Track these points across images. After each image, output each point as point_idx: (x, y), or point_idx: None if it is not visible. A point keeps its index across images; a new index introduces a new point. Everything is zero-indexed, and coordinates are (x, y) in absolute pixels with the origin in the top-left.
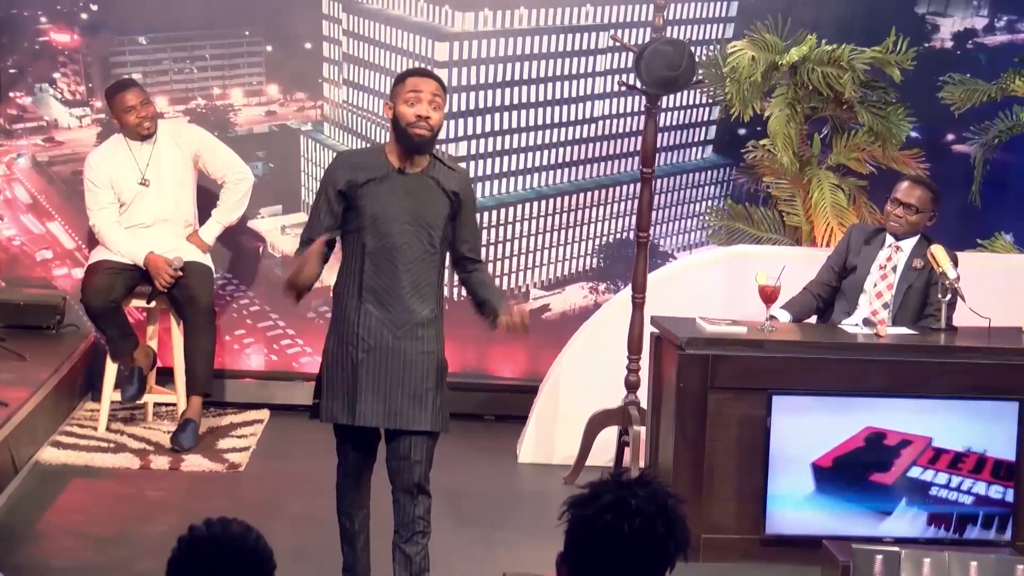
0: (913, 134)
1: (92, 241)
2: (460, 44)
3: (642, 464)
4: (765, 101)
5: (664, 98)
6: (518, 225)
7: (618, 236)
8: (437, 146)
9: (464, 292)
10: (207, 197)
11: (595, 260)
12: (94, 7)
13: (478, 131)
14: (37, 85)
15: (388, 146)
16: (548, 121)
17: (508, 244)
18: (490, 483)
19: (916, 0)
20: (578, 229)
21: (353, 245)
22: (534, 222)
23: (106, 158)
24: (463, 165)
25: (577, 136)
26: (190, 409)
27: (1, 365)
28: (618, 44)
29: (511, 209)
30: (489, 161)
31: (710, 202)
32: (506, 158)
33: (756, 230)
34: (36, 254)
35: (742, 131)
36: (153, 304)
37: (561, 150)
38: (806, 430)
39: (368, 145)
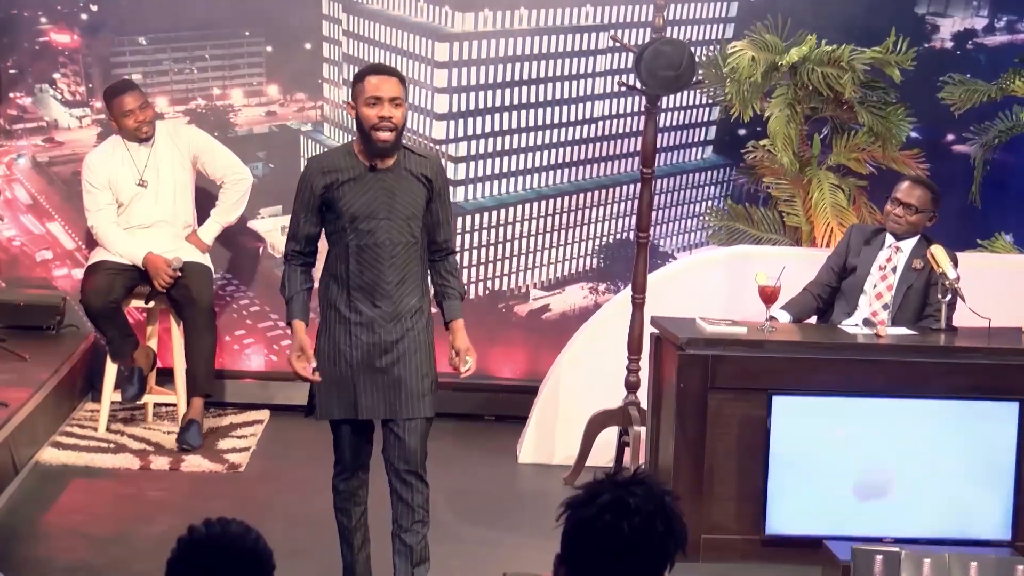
0: (913, 134)
1: (92, 242)
2: (460, 44)
3: (641, 463)
4: (765, 101)
5: (664, 98)
6: (518, 225)
7: (618, 236)
8: (412, 139)
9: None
10: (206, 198)
11: (595, 260)
12: (94, 7)
13: (478, 131)
14: (37, 85)
15: (356, 144)
16: (548, 121)
17: (508, 244)
18: (490, 483)
19: (916, 0)
20: (578, 229)
21: (336, 245)
22: (534, 222)
23: (104, 159)
24: (434, 149)
25: (577, 136)
26: (192, 410)
27: (1, 365)
28: (618, 44)
29: (511, 209)
30: (489, 161)
31: (710, 202)
32: (506, 158)
33: (756, 230)
34: (36, 254)
35: (742, 131)
36: (152, 304)
37: (561, 150)
38: (806, 430)
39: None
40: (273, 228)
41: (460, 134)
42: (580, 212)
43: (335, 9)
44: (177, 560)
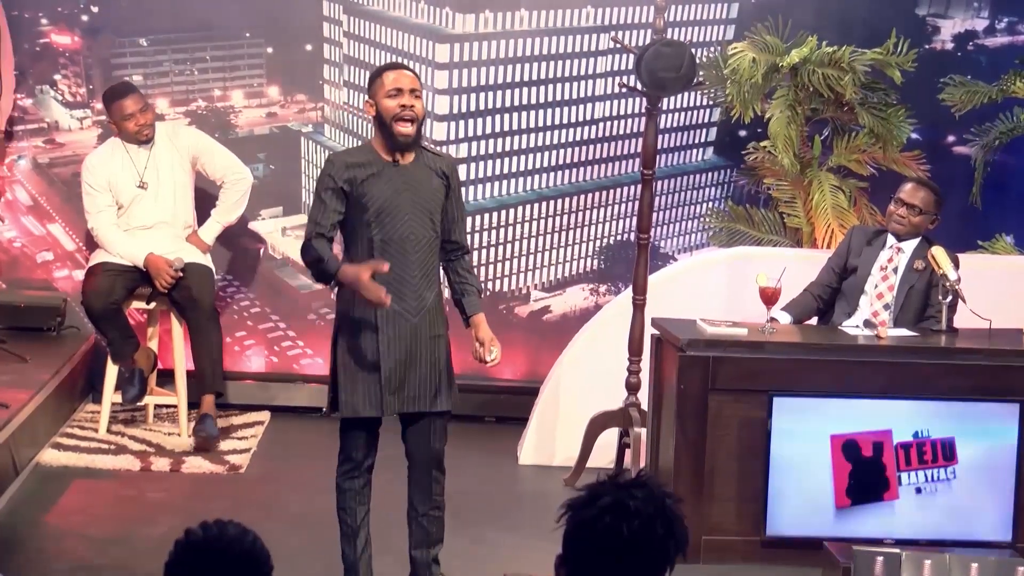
0: (914, 136)
1: (92, 243)
2: (461, 46)
3: (643, 466)
4: (766, 103)
5: (665, 100)
6: (519, 227)
7: (619, 238)
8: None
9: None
10: (207, 199)
11: (596, 262)
12: (95, 9)
13: (479, 133)
14: (38, 87)
15: (375, 141)
16: (549, 123)
17: (509, 246)
18: (490, 485)
19: (917, 2)
20: (579, 231)
21: (358, 242)
22: (535, 224)
23: (103, 161)
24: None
25: (578, 138)
26: (204, 406)
27: (2, 367)
28: (619, 46)
29: (512, 211)
30: (490, 163)
31: (711, 204)
32: (507, 160)
33: (757, 232)
34: (37, 256)
35: (743, 133)
36: (153, 305)
37: (562, 152)
38: (807, 431)
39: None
40: (274, 229)
41: (460, 135)
42: (581, 213)
43: (335, 10)
44: (174, 563)
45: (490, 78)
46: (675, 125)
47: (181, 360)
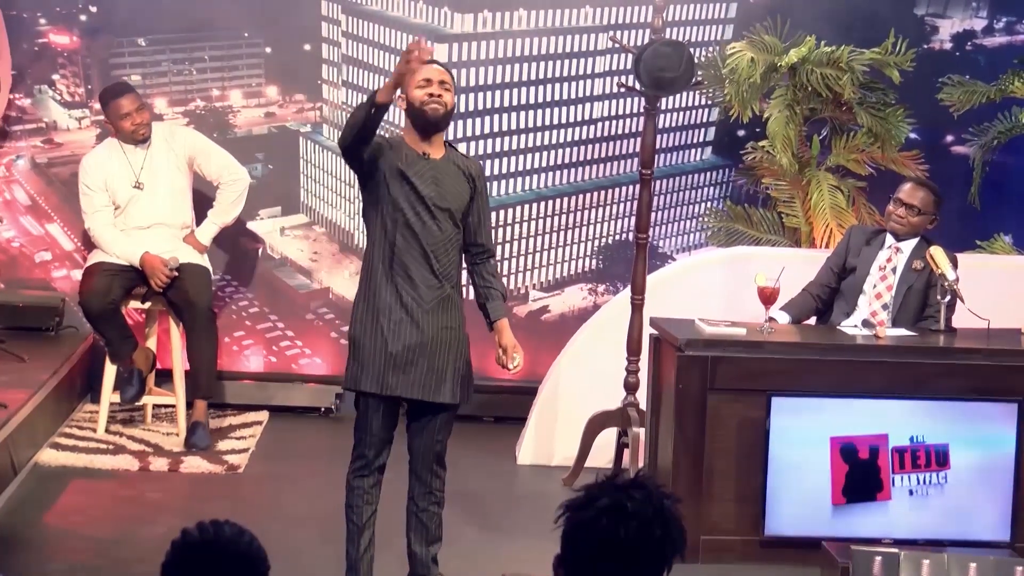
0: (912, 135)
1: (90, 243)
2: (459, 45)
3: (641, 465)
4: (764, 102)
5: (663, 99)
6: (517, 226)
7: (617, 237)
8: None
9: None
10: (205, 199)
11: (594, 261)
12: (93, 9)
13: (477, 133)
14: (36, 87)
15: (406, 135)
16: (547, 122)
17: (508, 245)
18: (489, 485)
19: (915, 1)
20: (577, 230)
21: (384, 222)
22: (533, 223)
23: (100, 161)
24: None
25: (576, 137)
26: (196, 412)
27: (0, 367)
28: (617, 45)
29: (510, 210)
30: (488, 162)
31: (709, 203)
32: (505, 159)
33: (755, 231)
34: (35, 256)
35: (741, 132)
36: (149, 305)
37: (560, 151)
38: (805, 431)
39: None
40: (272, 229)
41: (459, 135)
42: (579, 213)
43: (334, 10)
44: (171, 563)
45: (489, 78)
46: (674, 125)
47: (179, 360)
